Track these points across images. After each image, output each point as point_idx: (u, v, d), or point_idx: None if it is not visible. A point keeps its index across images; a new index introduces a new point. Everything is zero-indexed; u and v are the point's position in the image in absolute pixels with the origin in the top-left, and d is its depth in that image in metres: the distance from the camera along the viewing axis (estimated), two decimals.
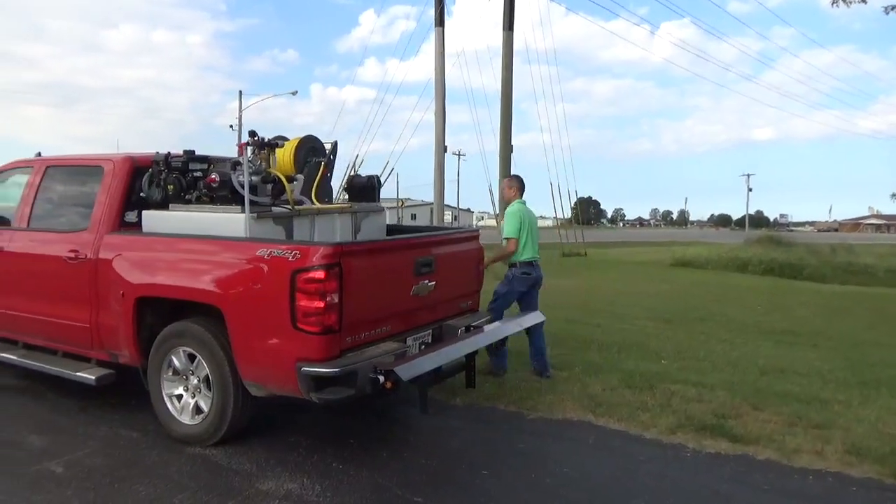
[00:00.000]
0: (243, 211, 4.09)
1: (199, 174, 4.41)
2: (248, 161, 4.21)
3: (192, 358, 4.06)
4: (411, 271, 4.17)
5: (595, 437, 4.34)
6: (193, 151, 4.54)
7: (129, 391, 4.58)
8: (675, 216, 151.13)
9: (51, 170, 5.03)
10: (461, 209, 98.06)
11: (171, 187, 4.40)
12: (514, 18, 16.44)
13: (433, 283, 4.36)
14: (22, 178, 5.18)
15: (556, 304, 9.89)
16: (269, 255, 3.68)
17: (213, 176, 4.28)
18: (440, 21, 18.24)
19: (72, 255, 4.50)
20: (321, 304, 3.52)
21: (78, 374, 4.52)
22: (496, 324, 4.86)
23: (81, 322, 4.48)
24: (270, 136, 4.69)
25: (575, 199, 24.74)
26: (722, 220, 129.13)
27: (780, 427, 4.53)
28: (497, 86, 17.08)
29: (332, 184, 5.26)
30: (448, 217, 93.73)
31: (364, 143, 19.90)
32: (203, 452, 3.94)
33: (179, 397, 4.15)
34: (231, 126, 50.52)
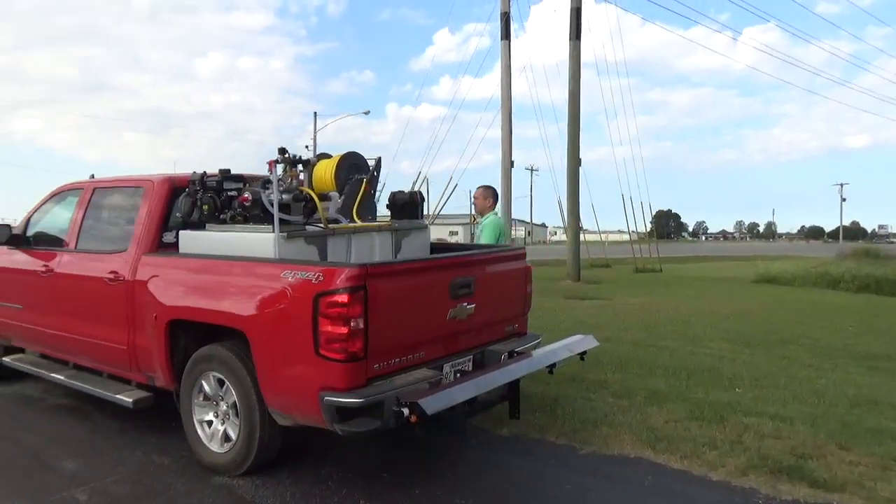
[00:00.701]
0: (273, 230, 3.95)
1: (233, 193, 4.31)
2: (279, 179, 4.07)
3: (221, 383, 3.92)
4: (447, 293, 3.89)
5: (652, 478, 3.91)
6: (229, 170, 4.45)
7: (173, 413, 4.49)
8: (761, 229, 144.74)
9: (97, 192, 5.07)
10: (535, 224, 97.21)
11: (206, 207, 4.32)
12: (581, 28, 16.02)
13: (472, 305, 4.07)
14: (73, 200, 5.25)
15: (622, 324, 9.41)
16: (292, 278, 3.49)
17: (246, 195, 4.17)
18: (506, 34, 18.02)
19: (112, 276, 4.48)
20: (345, 330, 3.29)
21: (117, 396, 4.48)
22: (544, 349, 4.50)
23: (120, 344, 4.44)
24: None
25: (650, 213, 23.83)
26: (813, 233, 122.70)
27: (871, 470, 3.96)
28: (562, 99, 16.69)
29: (376, 201, 5.09)
30: (521, 232, 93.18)
31: (428, 161, 19.87)
32: (230, 483, 3.78)
33: (210, 423, 4.02)
34: (307, 146, 51.89)
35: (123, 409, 4.50)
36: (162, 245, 4.47)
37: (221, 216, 4.32)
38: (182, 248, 4.39)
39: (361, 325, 3.34)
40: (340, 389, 3.33)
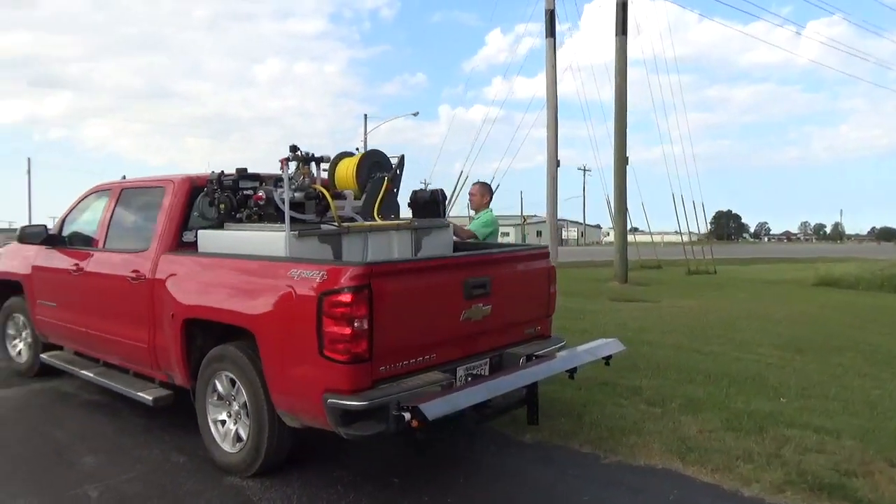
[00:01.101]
0: (275, 228, 3.90)
1: (249, 192, 4.28)
2: (290, 177, 4.02)
3: (233, 383, 3.89)
4: (460, 293, 3.76)
5: (679, 492, 3.68)
6: (245, 169, 4.43)
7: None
8: (828, 230, 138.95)
9: (124, 192, 5.14)
10: (588, 225, 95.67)
11: (222, 206, 4.30)
12: (628, 23, 15.61)
13: (489, 306, 3.92)
14: (103, 201, 5.35)
15: (666, 327, 9.07)
16: (298, 277, 3.43)
17: (260, 193, 4.14)
18: (551, 32, 17.72)
19: (134, 275, 4.52)
20: (348, 331, 3.20)
21: (139, 393, 4.52)
22: (565, 353, 4.31)
23: (141, 342, 4.47)
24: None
25: (704, 213, 23.04)
26: (885, 234, 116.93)
27: None
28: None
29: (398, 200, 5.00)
30: (574, 233, 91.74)
31: (476, 161, 19.75)
32: (240, 484, 3.74)
33: (223, 423, 3.99)
34: (357, 149, 52.55)
35: (151, 407, 4.53)
36: (182, 244, 4.49)
37: (238, 215, 4.30)
38: (200, 248, 4.39)
39: (366, 326, 3.24)
40: (344, 392, 3.24)
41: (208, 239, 4.36)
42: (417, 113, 42.53)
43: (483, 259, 4.16)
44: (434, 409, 3.00)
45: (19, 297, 6.07)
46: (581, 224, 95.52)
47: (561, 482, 3.82)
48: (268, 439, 3.66)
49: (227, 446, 3.93)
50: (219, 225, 4.38)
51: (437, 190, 5.00)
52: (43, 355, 5.80)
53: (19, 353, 6.30)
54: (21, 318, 6.16)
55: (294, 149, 4.09)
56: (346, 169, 4.96)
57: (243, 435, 3.83)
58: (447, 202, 5.31)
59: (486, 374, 3.92)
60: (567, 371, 4.03)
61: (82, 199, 5.67)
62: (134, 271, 4.52)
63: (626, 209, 16.25)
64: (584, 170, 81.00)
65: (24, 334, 6.20)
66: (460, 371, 3.82)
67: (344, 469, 3.93)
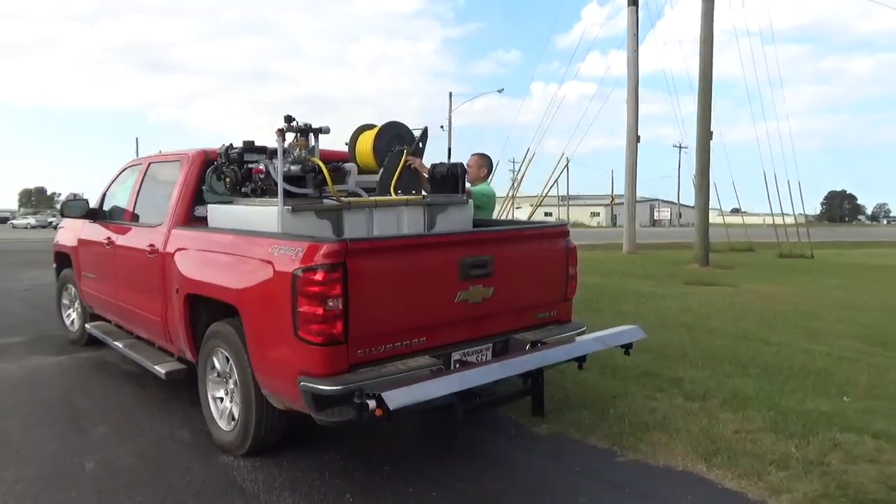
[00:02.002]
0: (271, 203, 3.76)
1: (253, 166, 4.18)
2: (285, 150, 3.86)
3: (227, 360, 3.82)
4: (455, 273, 3.50)
5: (693, 497, 3.29)
6: (252, 142, 4.31)
7: None
8: None
9: (151, 166, 5.19)
10: (683, 205, 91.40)
11: (228, 180, 4.22)
12: None
13: (491, 288, 3.65)
14: (134, 175, 5.42)
15: (735, 314, 8.41)
16: (277, 253, 3.28)
17: (260, 166, 4.02)
18: (633, 0, 16.81)
19: (150, 248, 4.54)
20: (320, 311, 3.03)
21: (155, 367, 4.56)
22: (580, 340, 3.96)
23: (156, 316, 4.50)
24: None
25: (801, 193, 21.36)
26: None
27: None
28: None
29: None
30: (666, 213, 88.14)
31: (539, 138, 19.13)
32: (230, 463, 3.67)
33: (221, 400, 3.94)
34: (441, 126, 52.57)
35: (174, 381, 4.56)
36: (194, 219, 4.46)
37: (244, 189, 4.20)
38: (210, 222, 4.34)
39: (340, 307, 3.06)
40: (317, 375, 3.08)
41: (216, 213, 4.30)
42: (502, 90, 41.88)
43: (483, 237, 3.86)
44: (397, 398, 2.78)
45: (70, 269, 6.32)
46: (675, 204, 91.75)
47: (560, 480, 3.51)
48: (255, 419, 3.57)
49: (223, 424, 3.88)
50: (228, 199, 4.32)
51: (456, 164, 4.73)
52: (88, 325, 6.01)
53: (72, 322, 6.58)
54: (73, 289, 6.41)
55: (289, 119, 3.92)
56: (365, 143, 4.78)
57: (236, 414, 3.76)
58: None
59: (489, 360, 3.65)
60: (575, 360, 3.69)
61: (120, 173, 5.79)
62: (150, 245, 4.54)
63: (709, 187, 15.25)
64: (681, 147, 77.61)
65: (75, 304, 6.46)
66: (456, 356, 3.58)
67: (339, 453, 3.80)
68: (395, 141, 4.73)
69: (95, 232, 5.61)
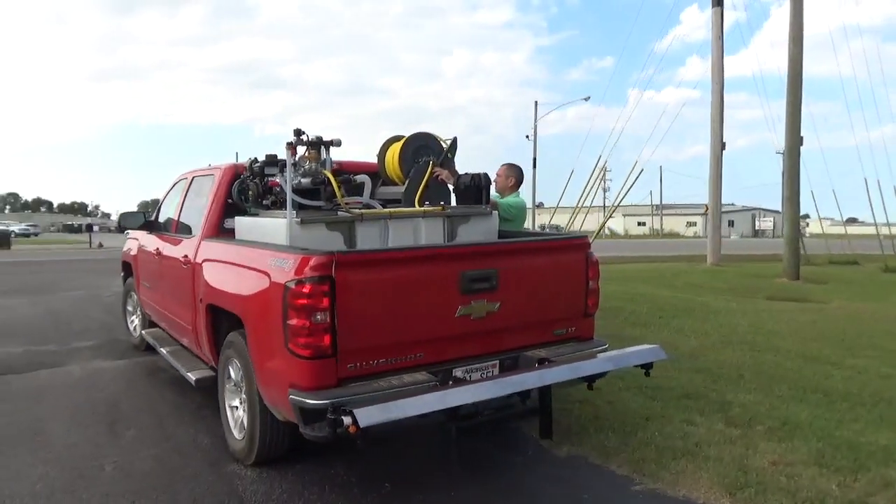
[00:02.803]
0: (295, 216, 3.79)
1: (271, 179, 4.25)
2: (294, 163, 3.90)
3: (240, 370, 3.88)
4: (455, 287, 3.39)
5: None
6: (275, 156, 4.39)
7: None
8: None
9: (195, 180, 5.39)
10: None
11: (250, 193, 4.32)
12: None
13: (497, 302, 3.52)
14: (181, 188, 5.66)
15: (813, 333, 7.78)
16: (274, 265, 3.29)
17: (276, 179, 4.08)
18: (717, 1, 16.08)
19: (184, 259, 4.70)
20: (307, 324, 3.01)
21: (188, 373, 4.70)
22: (598, 358, 3.73)
23: (189, 324, 4.65)
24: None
25: None
26: None
27: None
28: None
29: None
30: (769, 223, 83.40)
31: (650, 148, 18.53)
32: (238, 472, 3.72)
33: (236, 409, 4.00)
34: (527, 136, 52.17)
35: (209, 388, 4.69)
36: (224, 231, 4.58)
37: (265, 202, 4.29)
38: (237, 235, 4.44)
39: (327, 320, 3.03)
40: (305, 388, 3.06)
41: (241, 226, 4.40)
42: (588, 98, 41.09)
43: (487, 250, 3.72)
44: (371, 415, 2.70)
45: (133, 278, 6.68)
46: (780, 213, 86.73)
47: None
48: (260, 430, 3.60)
49: (236, 433, 3.94)
50: (253, 212, 4.41)
51: (479, 174, 4.62)
52: (143, 331, 6.31)
53: (134, 328, 6.94)
54: (136, 297, 6.76)
55: (298, 132, 3.95)
56: (392, 156, 4.77)
57: (246, 423, 3.80)
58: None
59: (487, 377, 3.51)
60: (583, 380, 3.49)
61: (173, 186, 6.05)
62: (184, 256, 4.71)
63: (799, 195, 14.27)
64: (782, 153, 73.40)
65: (137, 311, 6.81)
66: (458, 372, 3.47)
67: (345, 467, 3.76)
68: (422, 152, 4.70)
69: (150, 243, 5.89)
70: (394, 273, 3.25)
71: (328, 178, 3.92)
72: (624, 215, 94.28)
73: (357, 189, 4.30)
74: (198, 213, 4.96)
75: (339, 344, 3.07)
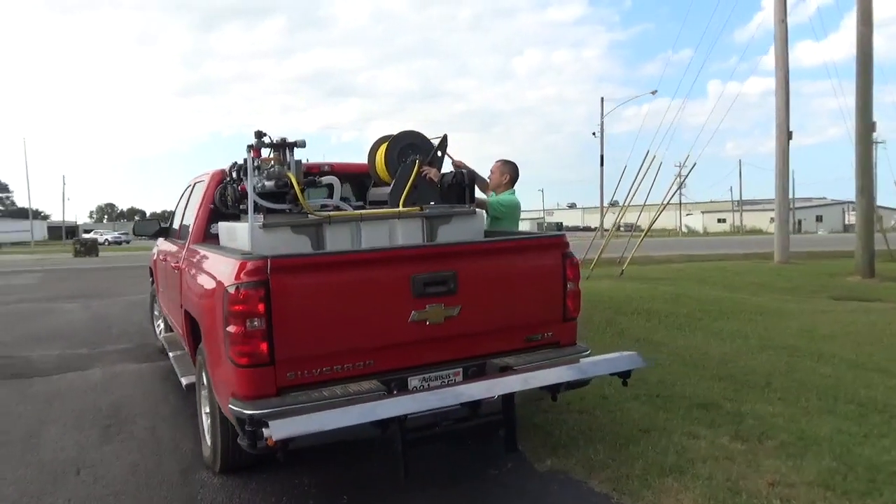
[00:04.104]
0: (258, 220, 3.72)
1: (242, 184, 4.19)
2: (257, 166, 3.82)
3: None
4: (407, 291, 3.22)
5: None
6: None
7: None
8: None
9: (196, 185, 5.42)
10: (882, 207, 79.87)
11: (228, 198, 4.28)
12: None
13: (457, 307, 3.32)
14: (185, 194, 5.72)
15: (869, 337, 7.12)
16: (220, 271, 3.23)
17: (244, 184, 4.01)
18: None
19: (175, 264, 4.74)
20: (241, 330, 2.92)
21: (182, 378, 4.72)
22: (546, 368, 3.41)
23: (181, 329, 4.67)
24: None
25: None
26: None
27: None
28: None
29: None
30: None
31: (712, 141, 17.73)
32: (204, 479, 3.67)
33: (208, 416, 3.96)
34: (594, 133, 51.12)
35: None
36: (210, 236, 4.57)
37: (242, 206, 4.24)
38: (220, 240, 4.42)
39: (262, 326, 2.93)
40: (243, 398, 2.96)
41: (221, 231, 4.38)
42: (655, 91, 39.63)
43: (442, 251, 3.50)
44: (284, 428, 2.57)
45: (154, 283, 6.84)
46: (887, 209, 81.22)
47: None
48: (221, 438, 3.54)
49: (207, 439, 3.90)
50: (234, 217, 4.37)
51: (461, 171, 4.42)
52: (161, 335, 6.44)
53: (160, 332, 7.10)
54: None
55: (260, 134, 3.86)
56: (380, 156, 4.65)
57: (209, 432, 3.75)
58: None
59: (431, 387, 3.30)
60: (546, 390, 3.24)
61: (182, 194, 6.14)
62: (175, 261, 4.74)
63: (872, 187, 13.23)
64: (875, 142, 68.68)
65: (162, 315, 6.96)
66: (414, 381, 3.29)
67: (310, 477, 3.65)
68: (409, 151, 4.55)
69: (163, 249, 6.00)
70: (336, 277, 3.11)
71: (290, 181, 3.82)
72: (703, 212, 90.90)
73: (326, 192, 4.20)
74: (191, 219, 4.99)
75: (276, 351, 2.96)
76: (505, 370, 3.34)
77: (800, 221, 79.20)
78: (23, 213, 74.46)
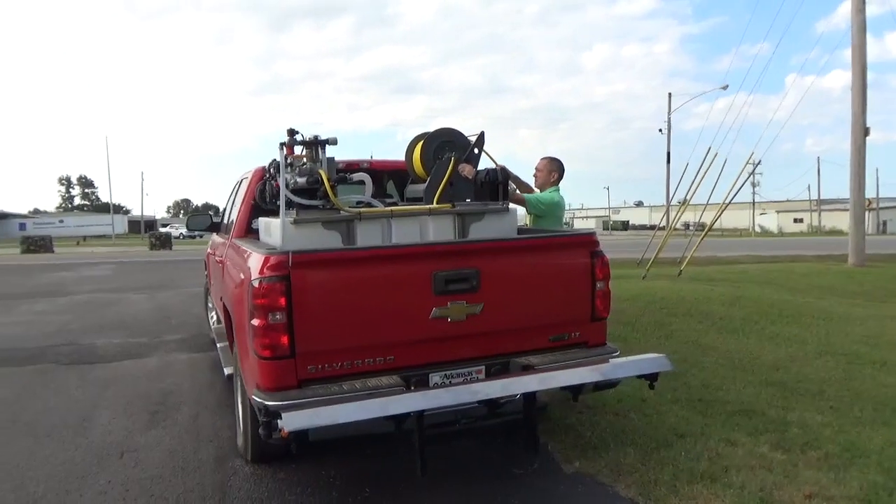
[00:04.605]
0: (290, 216, 3.81)
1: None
2: (289, 163, 3.91)
3: None
4: (428, 288, 3.22)
5: None
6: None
7: None
8: None
9: (242, 182, 5.59)
10: None
11: (266, 194, 4.40)
12: None
13: (479, 304, 3.31)
14: (235, 190, 5.90)
15: None
16: (247, 265, 3.31)
17: (278, 180, 4.10)
18: None
19: (219, 259, 4.90)
20: (264, 323, 3.00)
21: (225, 368, 4.88)
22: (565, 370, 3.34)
23: (224, 322, 4.83)
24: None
25: None
26: None
27: None
28: None
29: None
30: None
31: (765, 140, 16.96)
32: (237, 468, 3.78)
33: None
34: (660, 130, 49.82)
35: None
36: (251, 231, 4.71)
37: (277, 202, 4.34)
38: (260, 235, 4.54)
39: (284, 320, 2.99)
40: (266, 389, 3.04)
41: (260, 227, 4.49)
42: (727, 86, 38.04)
43: (465, 248, 3.47)
44: (296, 420, 2.62)
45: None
46: None
47: None
48: (252, 428, 3.63)
49: (240, 428, 4.01)
50: (273, 212, 4.48)
51: (494, 168, 4.39)
52: (213, 326, 6.67)
53: (213, 323, 7.35)
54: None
55: (292, 132, 3.94)
56: (416, 154, 4.68)
57: (241, 421, 3.86)
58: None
59: (465, 383, 3.30)
60: (567, 391, 3.18)
61: (232, 189, 6.34)
62: (220, 255, 4.90)
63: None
64: None
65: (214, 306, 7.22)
66: (435, 378, 3.30)
67: (340, 470, 3.71)
68: (446, 148, 4.55)
69: (215, 242, 6.21)
70: (357, 273, 3.15)
71: (321, 177, 3.88)
72: (778, 211, 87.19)
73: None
74: (235, 214, 5.15)
75: (297, 345, 3.02)
76: (527, 369, 3.30)
77: (885, 222, 74.91)
78: (107, 208, 78.49)
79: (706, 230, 14.02)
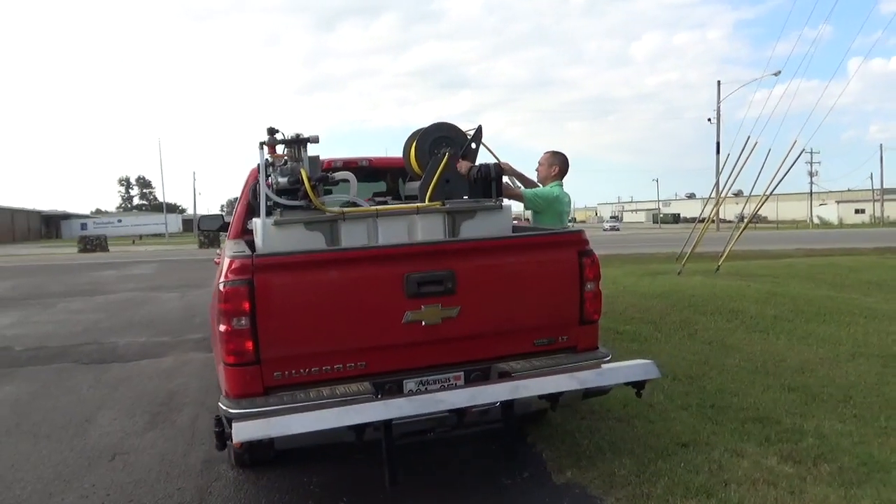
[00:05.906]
0: (271, 216, 3.73)
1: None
2: (270, 162, 3.82)
3: None
4: (400, 291, 3.09)
5: None
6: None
7: None
8: None
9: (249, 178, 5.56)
10: None
11: (258, 194, 4.33)
12: None
13: (455, 308, 3.16)
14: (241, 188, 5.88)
15: None
16: (221, 269, 3.24)
17: (270, 180, 4.03)
18: None
19: (218, 260, 4.87)
20: (229, 328, 2.92)
21: None
22: (565, 375, 3.15)
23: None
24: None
25: None
26: None
27: None
28: None
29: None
30: None
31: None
32: (223, 472, 3.74)
33: None
34: (709, 119, 48.42)
35: None
36: (247, 232, 4.66)
37: (268, 202, 4.27)
38: (254, 236, 4.49)
39: (248, 325, 2.91)
40: (232, 396, 2.97)
41: (254, 227, 4.43)
42: (779, 72, 36.66)
43: (439, 249, 3.32)
44: (247, 430, 2.53)
45: None
46: None
47: None
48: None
49: None
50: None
51: (488, 164, 4.22)
52: None
53: None
54: None
55: (272, 131, 3.85)
56: (412, 151, 4.55)
57: None
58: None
59: (441, 390, 3.15)
60: (545, 399, 3.00)
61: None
62: (218, 256, 4.87)
63: None
64: None
65: None
66: (410, 384, 3.17)
67: (319, 476, 3.63)
68: (442, 144, 4.41)
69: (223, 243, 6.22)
70: (324, 275, 3.04)
71: (301, 177, 3.78)
72: (838, 202, 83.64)
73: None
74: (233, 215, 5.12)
75: (262, 350, 2.93)
76: (504, 376, 3.14)
77: (878, 216, 71.06)
78: (163, 208, 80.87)
79: (746, 223, 13.45)
